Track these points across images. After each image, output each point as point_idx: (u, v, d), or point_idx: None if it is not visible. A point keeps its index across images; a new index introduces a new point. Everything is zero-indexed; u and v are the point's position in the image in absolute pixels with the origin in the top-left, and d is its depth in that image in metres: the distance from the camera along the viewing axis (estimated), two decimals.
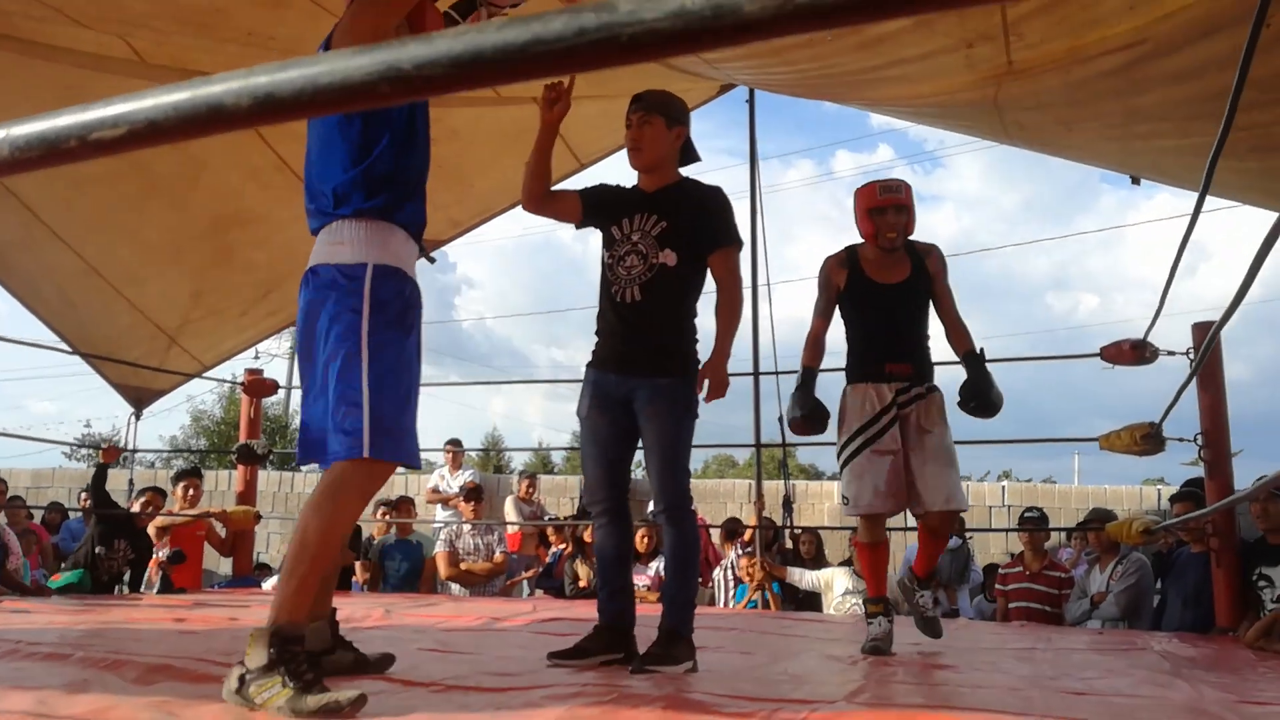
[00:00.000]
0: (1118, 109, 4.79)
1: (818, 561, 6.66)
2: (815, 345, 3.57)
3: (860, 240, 3.60)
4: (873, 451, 3.36)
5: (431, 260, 6.73)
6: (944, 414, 3.43)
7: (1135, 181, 5.88)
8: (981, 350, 3.50)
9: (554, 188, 3.09)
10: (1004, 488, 8.74)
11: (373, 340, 2.09)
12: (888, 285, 3.48)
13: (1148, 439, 4.64)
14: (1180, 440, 4.80)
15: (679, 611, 2.82)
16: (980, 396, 3.38)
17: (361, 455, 2.05)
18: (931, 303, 3.53)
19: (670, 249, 2.87)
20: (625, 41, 0.48)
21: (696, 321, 2.99)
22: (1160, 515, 7.16)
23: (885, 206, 3.47)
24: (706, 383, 2.84)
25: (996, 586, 6.02)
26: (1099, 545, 5.47)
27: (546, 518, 8.07)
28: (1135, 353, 4.67)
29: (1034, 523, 5.95)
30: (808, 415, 3.48)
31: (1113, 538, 4.99)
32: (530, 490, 8.12)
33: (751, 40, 0.48)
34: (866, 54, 4.70)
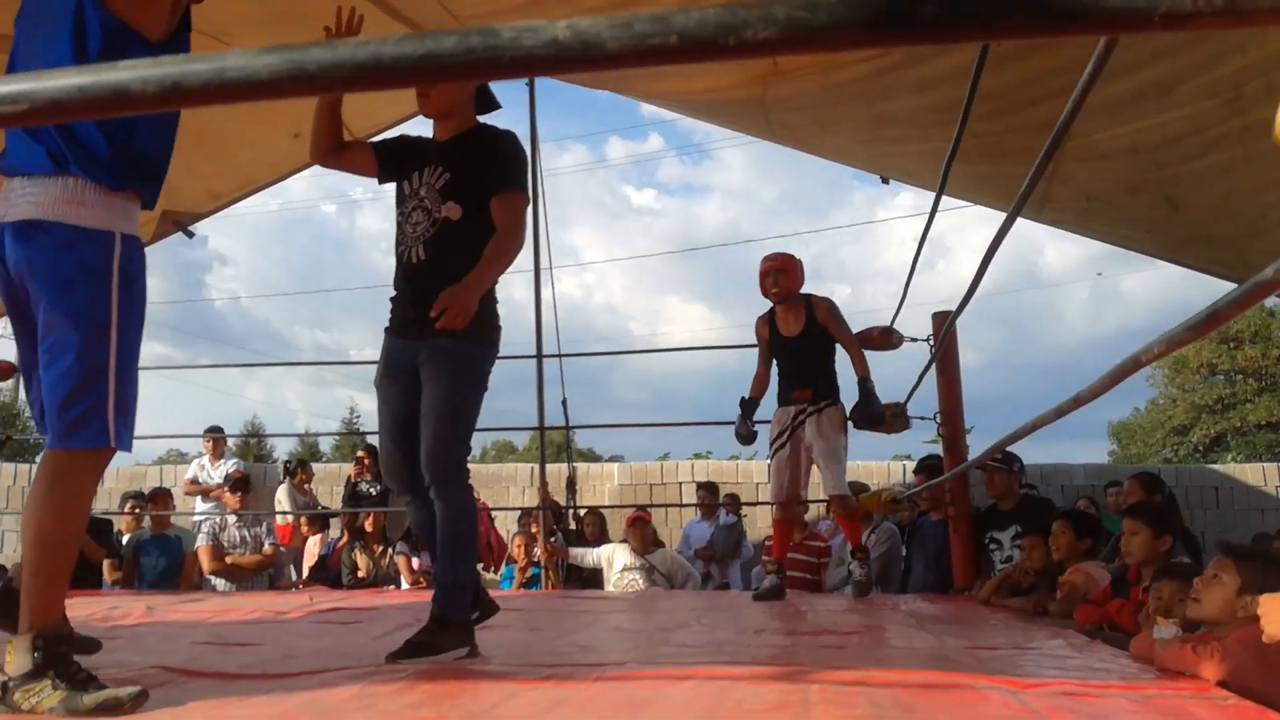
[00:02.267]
0: (868, 114, 5.20)
1: (601, 541, 6.82)
2: (757, 383, 4.80)
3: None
4: (776, 457, 4.62)
5: (190, 235, 6.36)
6: (836, 424, 4.53)
7: (884, 181, 6.40)
8: (865, 380, 4.59)
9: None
10: (768, 465, 9.26)
11: (121, 318, 1.94)
12: (790, 336, 4.66)
13: (895, 418, 5.07)
14: (922, 419, 5.29)
15: (448, 595, 2.62)
16: (864, 413, 4.53)
17: (108, 444, 1.92)
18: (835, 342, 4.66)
19: (453, 201, 2.71)
20: (506, 62, 0.55)
21: (495, 288, 2.79)
22: (906, 488, 7.82)
23: (767, 272, 4.67)
24: (446, 308, 2.55)
25: (763, 558, 6.41)
26: None
27: (319, 508, 7.78)
28: (884, 338, 5.08)
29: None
30: (745, 435, 4.72)
31: (865, 508, 5.43)
32: (305, 478, 7.80)
33: (612, 69, 0.55)
34: None
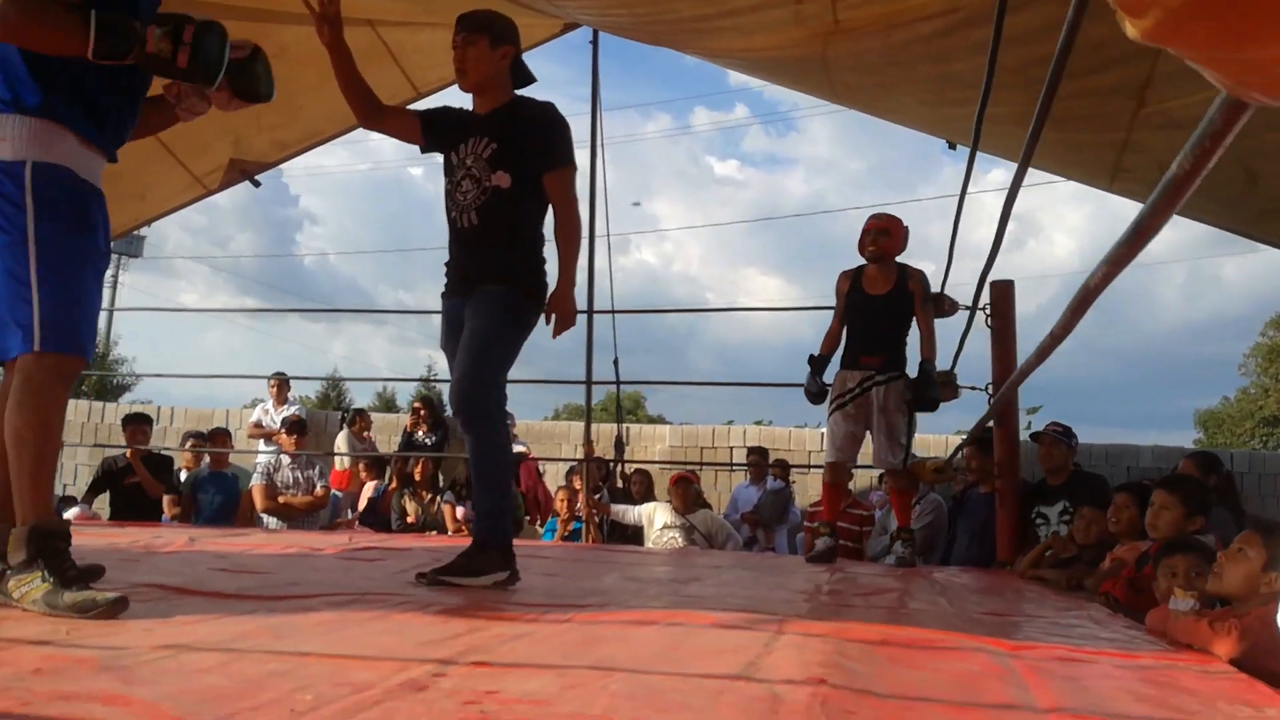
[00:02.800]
0: (932, 74, 5.02)
1: (647, 500, 6.84)
2: (829, 339, 4.67)
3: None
4: (834, 417, 4.51)
5: (256, 184, 6.50)
6: (902, 402, 4.46)
7: (951, 147, 6.19)
8: (928, 361, 4.47)
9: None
10: (822, 434, 9.15)
11: (40, 234, 2.04)
12: (875, 295, 4.54)
13: (944, 385, 4.94)
14: (972, 389, 5.14)
15: (487, 522, 2.75)
16: (919, 394, 4.41)
17: (33, 349, 2.02)
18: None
19: (503, 170, 2.82)
20: None
21: (545, 250, 2.93)
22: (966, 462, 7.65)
23: (869, 229, 4.57)
24: (554, 316, 2.82)
25: (804, 524, 6.35)
26: None
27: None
28: (936, 304, 4.93)
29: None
30: (816, 393, 4.59)
31: (911, 477, 5.32)
32: (363, 426, 7.97)
33: None
34: (699, 1, 4.76)
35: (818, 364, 4.65)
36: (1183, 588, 2.52)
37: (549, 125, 2.91)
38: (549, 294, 2.88)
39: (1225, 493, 4.36)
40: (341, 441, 7.84)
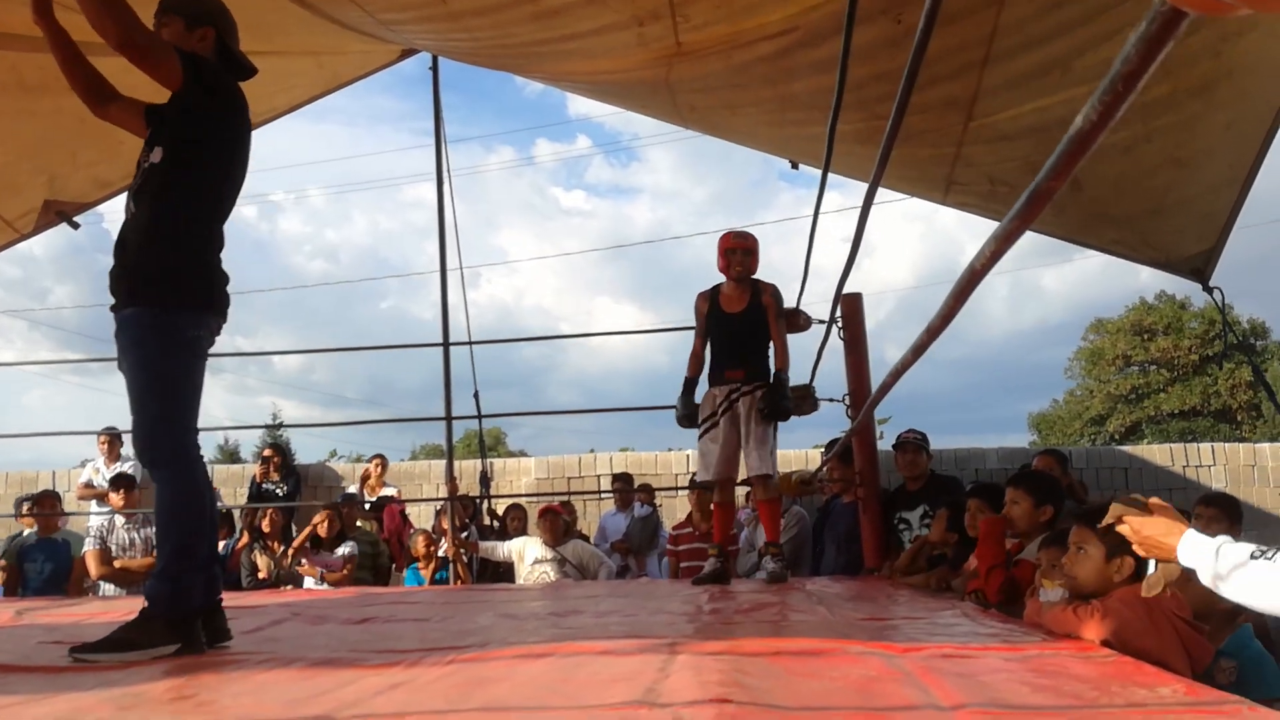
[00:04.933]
0: (774, 95, 5.13)
1: (523, 536, 6.66)
2: (694, 360, 4.68)
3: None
4: (706, 438, 4.50)
5: (74, 225, 6.04)
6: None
7: (794, 166, 6.36)
8: (781, 371, 4.49)
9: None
10: (687, 456, 9.22)
11: None
12: (732, 313, 4.58)
13: (803, 400, 5.02)
14: (831, 400, 5.25)
15: (156, 585, 2.33)
16: (771, 404, 4.40)
17: None
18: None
19: (158, 145, 2.47)
20: None
21: (200, 237, 2.49)
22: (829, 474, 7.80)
23: (734, 248, 4.58)
24: None
25: (667, 547, 6.33)
26: None
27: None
28: (792, 319, 5.02)
29: None
30: (686, 415, 4.57)
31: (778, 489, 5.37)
32: None
33: None
34: (541, 25, 4.72)
35: (686, 386, 4.67)
36: (1050, 578, 2.59)
37: (195, 73, 2.48)
38: (193, 291, 2.46)
39: (1074, 487, 4.57)
40: None
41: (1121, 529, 1.88)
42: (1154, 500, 1.91)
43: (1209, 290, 5.32)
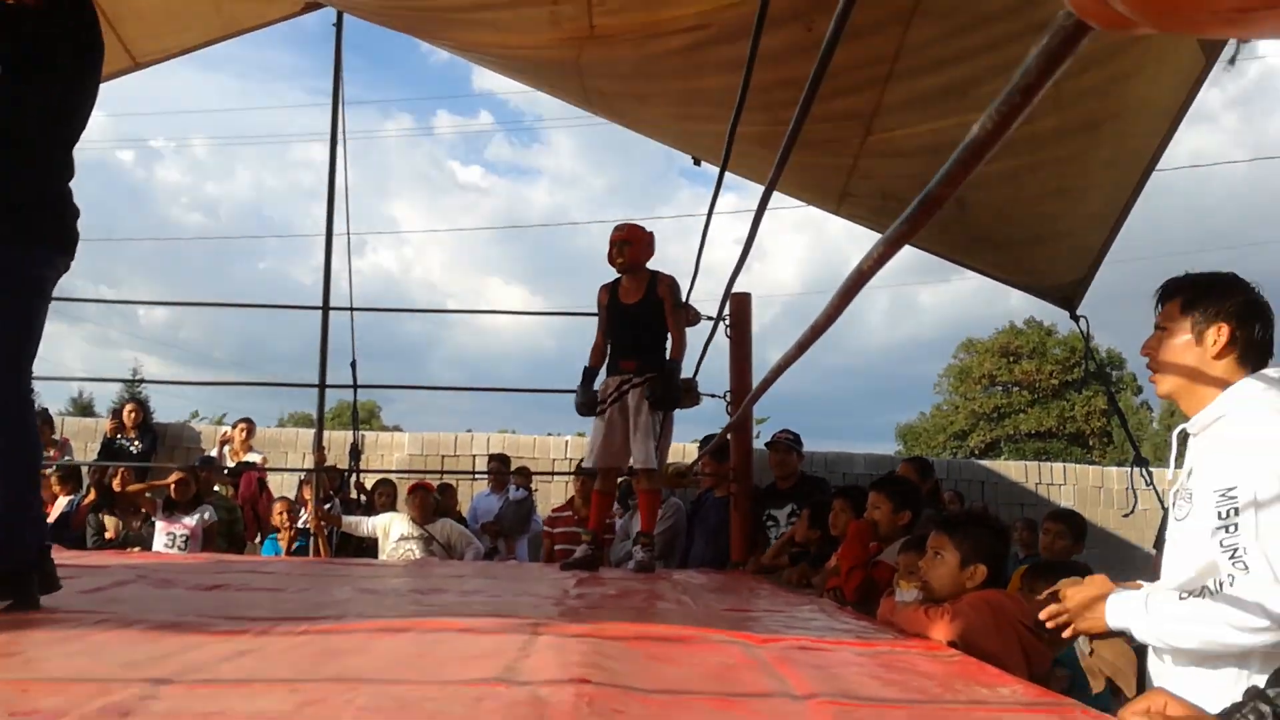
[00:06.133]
0: (682, 89, 5.15)
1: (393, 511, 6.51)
2: (595, 352, 4.74)
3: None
4: (596, 424, 4.56)
5: None
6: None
7: (696, 163, 6.40)
8: (674, 362, 4.55)
9: None
10: (567, 442, 9.22)
11: None
12: (628, 304, 4.62)
13: (686, 393, 5.06)
14: (713, 396, 5.31)
15: None
16: (658, 393, 4.46)
17: None
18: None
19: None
20: None
21: (49, 163, 2.26)
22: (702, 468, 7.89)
23: (614, 241, 4.64)
24: None
25: (545, 528, 6.31)
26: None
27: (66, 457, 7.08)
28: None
29: None
30: (584, 403, 4.59)
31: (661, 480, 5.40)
32: (45, 433, 7.07)
33: None
34: None
35: (587, 376, 4.71)
36: (906, 580, 2.68)
37: None
38: (47, 226, 2.25)
39: (933, 495, 4.75)
40: None
41: (1052, 608, 1.81)
42: (1065, 583, 1.84)
43: (1075, 318, 5.59)
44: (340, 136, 6.01)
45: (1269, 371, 1.68)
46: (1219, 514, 1.52)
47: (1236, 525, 1.50)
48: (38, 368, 2.28)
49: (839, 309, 1.49)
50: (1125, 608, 1.66)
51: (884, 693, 1.54)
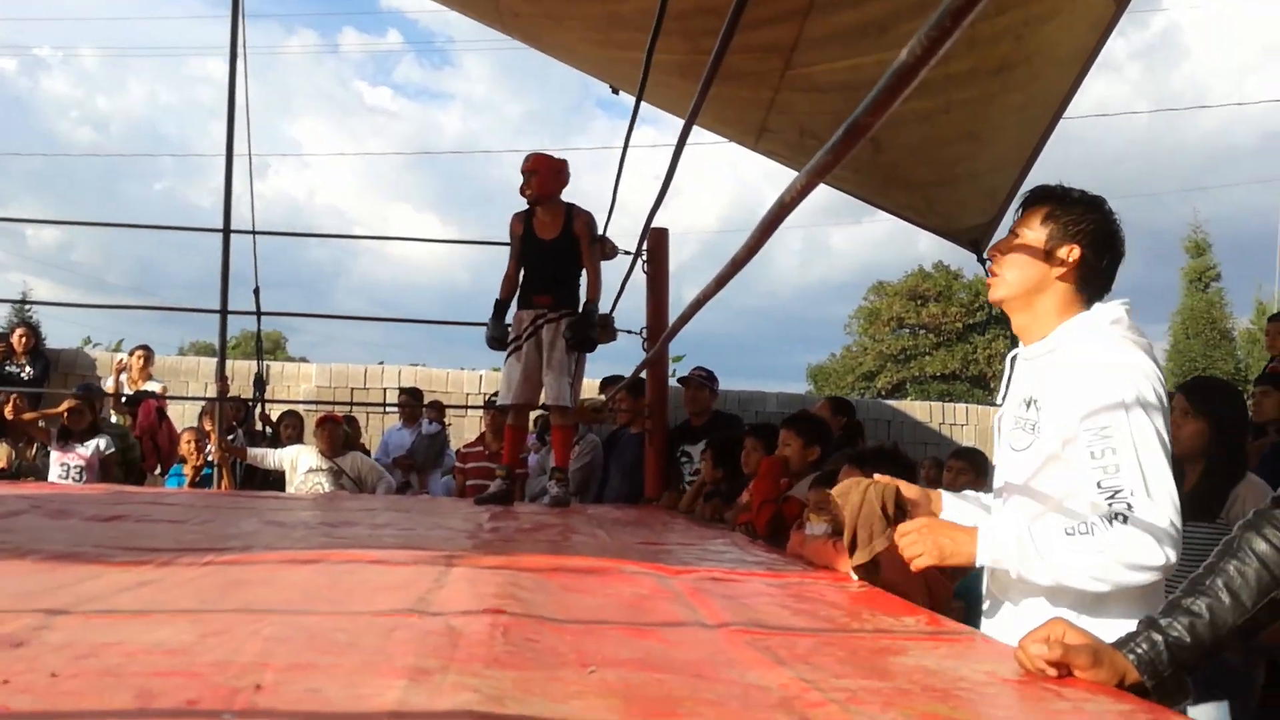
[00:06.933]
0: (601, 13, 5.02)
1: (299, 443, 6.37)
2: (506, 283, 4.62)
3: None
4: (509, 360, 4.51)
5: None
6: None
7: (614, 91, 6.29)
8: (592, 302, 4.51)
9: None
10: (481, 376, 9.13)
11: None
12: (545, 239, 4.53)
13: (603, 329, 5.04)
14: (629, 332, 5.30)
15: None
16: (576, 333, 4.41)
17: None
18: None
19: None
20: None
21: None
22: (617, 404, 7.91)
23: (523, 171, 4.52)
24: None
25: (456, 465, 6.27)
26: None
27: None
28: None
29: None
30: (495, 336, 4.51)
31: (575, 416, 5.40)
32: None
33: None
34: None
35: (498, 308, 4.62)
36: (816, 515, 2.73)
37: None
38: None
39: (853, 434, 4.84)
40: None
41: (912, 545, 1.68)
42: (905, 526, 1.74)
43: (983, 261, 5.72)
44: (240, 50, 5.70)
45: (1110, 310, 1.65)
46: (1091, 453, 1.50)
47: (1118, 466, 1.47)
48: None
49: (760, 242, 1.48)
50: (996, 545, 1.56)
51: (793, 621, 1.57)
